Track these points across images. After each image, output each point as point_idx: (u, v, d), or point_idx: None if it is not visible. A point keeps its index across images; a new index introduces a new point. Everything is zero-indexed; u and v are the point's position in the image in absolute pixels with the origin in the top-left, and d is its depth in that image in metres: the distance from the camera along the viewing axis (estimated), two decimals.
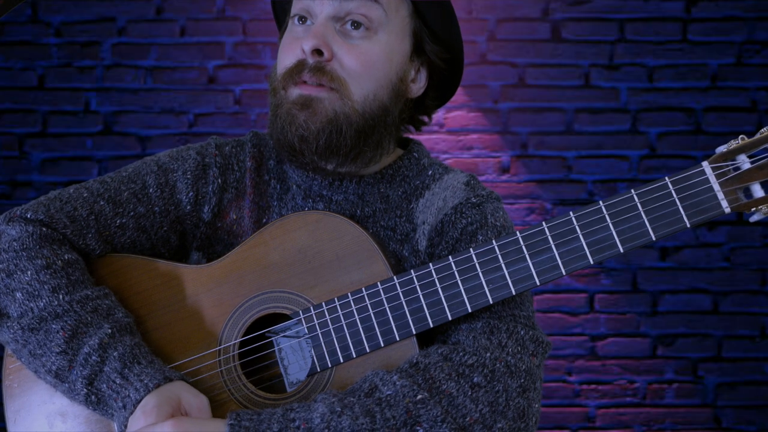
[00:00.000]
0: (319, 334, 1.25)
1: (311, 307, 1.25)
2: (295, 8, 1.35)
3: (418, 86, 1.40)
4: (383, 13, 1.31)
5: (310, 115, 1.29)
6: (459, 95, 3.15)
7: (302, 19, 1.34)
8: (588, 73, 3.20)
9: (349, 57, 1.29)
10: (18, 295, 1.24)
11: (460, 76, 1.45)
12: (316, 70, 1.29)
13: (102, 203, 1.34)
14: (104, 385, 1.20)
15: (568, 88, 3.20)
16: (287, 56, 1.33)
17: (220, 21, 3.20)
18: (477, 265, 1.21)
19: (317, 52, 1.29)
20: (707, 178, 1.15)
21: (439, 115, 3.13)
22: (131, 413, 1.17)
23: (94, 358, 1.20)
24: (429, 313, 1.22)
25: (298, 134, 1.30)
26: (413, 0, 1.35)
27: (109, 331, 1.22)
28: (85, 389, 1.21)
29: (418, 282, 1.22)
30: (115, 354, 1.21)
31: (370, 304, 1.23)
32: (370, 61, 1.30)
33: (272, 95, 1.35)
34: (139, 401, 1.17)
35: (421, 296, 1.22)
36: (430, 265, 1.22)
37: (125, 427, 1.18)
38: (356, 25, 1.30)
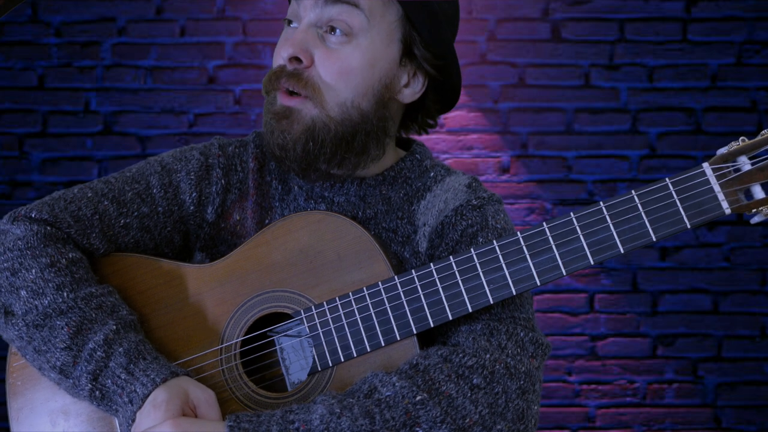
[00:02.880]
0: (320, 333, 1.25)
1: (312, 307, 1.26)
2: (288, 12, 1.37)
3: (413, 91, 1.38)
4: (365, 19, 1.30)
5: (288, 125, 1.31)
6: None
7: (292, 22, 1.35)
8: (588, 73, 3.20)
9: (327, 63, 1.30)
10: (23, 293, 1.25)
11: (459, 83, 1.43)
12: (292, 76, 1.30)
13: (106, 203, 1.34)
14: (109, 381, 1.21)
15: (568, 88, 3.20)
16: (275, 59, 1.35)
17: (220, 21, 3.20)
18: (478, 265, 1.21)
19: (296, 59, 1.30)
20: (708, 179, 1.16)
21: None
22: (139, 407, 1.18)
23: (99, 353, 1.21)
24: (430, 312, 1.22)
25: (277, 143, 1.32)
26: (401, 4, 1.32)
27: (114, 327, 1.23)
28: (89, 384, 1.21)
29: (419, 282, 1.23)
30: (120, 350, 1.21)
31: (371, 303, 1.24)
32: (348, 67, 1.30)
33: (265, 96, 1.37)
34: (146, 396, 1.18)
35: (421, 296, 1.22)
36: (431, 265, 1.23)
37: (132, 421, 1.19)
38: (337, 31, 1.30)
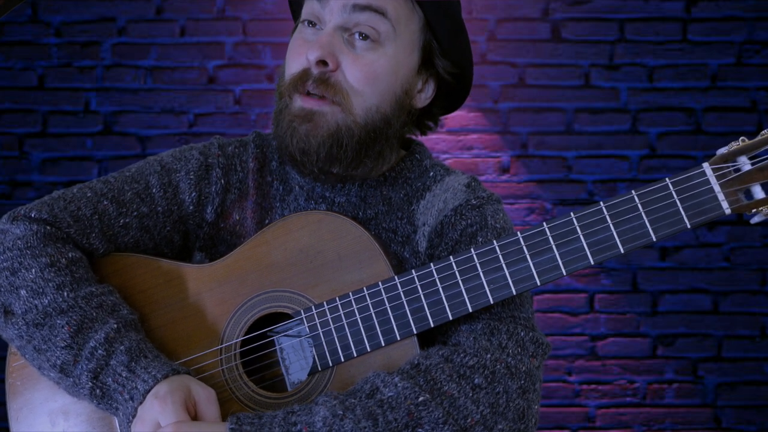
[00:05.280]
0: (321, 333, 1.25)
1: (312, 307, 1.26)
2: (305, 11, 1.35)
3: (425, 96, 1.40)
4: (391, 27, 1.31)
5: (312, 128, 1.29)
6: None
7: (312, 23, 1.34)
8: (588, 73, 3.20)
9: (353, 68, 1.29)
10: (22, 292, 1.25)
11: (469, 90, 1.45)
12: (320, 81, 1.29)
13: (106, 203, 1.34)
14: (110, 379, 1.21)
15: (568, 88, 3.20)
16: (294, 61, 1.33)
17: (220, 21, 3.20)
18: (478, 265, 1.21)
19: (322, 62, 1.29)
20: (708, 179, 1.16)
21: None
22: (140, 403, 1.18)
23: (100, 352, 1.21)
24: (430, 312, 1.22)
25: (299, 147, 1.30)
26: (424, 13, 1.34)
27: (115, 326, 1.23)
28: (90, 383, 1.21)
29: (419, 282, 1.23)
30: (122, 348, 1.21)
31: (371, 303, 1.24)
32: (374, 73, 1.30)
33: (278, 97, 1.36)
34: (147, 391, 1.18)
35: (422, 296, 1.22)
36: (431, 264, 1.23)
37: (133, 417, 1.19)
38: (363, 36, 1.30)
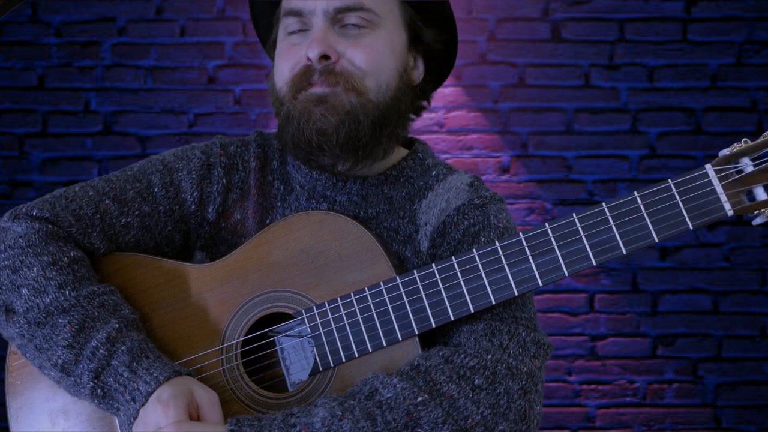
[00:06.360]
0: (322, 334, 1.25)
1: (314, 307, 1.26)
2: (285, 26, 1.36)
3: (417, 73, 1.42)
4: (374, 14, 1.33)
5: (328, 108, 1.29)
6: (459, 95, 3.15)
7: (296, 30, 1.35)
8: (588, 73, 3.20)
9: (356, 52, 1.31)
10: (24, 291, 1.25)
11: (455, 54, 1.47)
12: (327, 73, 1.30)
13: (107, 202, 1.34)
14: (111, 379, 1.21)
15: (568, 88, 3.20)
16: (288, 65, 1.34)
17: (220, 21, 3.20)
18: (480, 265, 1.21)
19: (324, 57, 1.30)
20: (710, 180, 1.16)
21: (439, 114, 3.14)
22: (143, 405, 1.18)
23: (101, 351, 1.21)
24: (431, 313, 1.22)
25: (315, 128, 1.29)
26: None
27: (117, 325, 1.23)
28: (91, 382, 1.21)
29: (420, 282, 1.23)
30: (123, 348, 1.21)
31: (372, 303, 1.24)
32: (377, 52, 1.33)
33: (278, 106, 1.35)
34: (150, 393, 1.18)
35: (423, 296, 1.22)
36: (433, 265, 1.23)
37: (134, 419, 1.19)
38: (354, 23, 1.32)
